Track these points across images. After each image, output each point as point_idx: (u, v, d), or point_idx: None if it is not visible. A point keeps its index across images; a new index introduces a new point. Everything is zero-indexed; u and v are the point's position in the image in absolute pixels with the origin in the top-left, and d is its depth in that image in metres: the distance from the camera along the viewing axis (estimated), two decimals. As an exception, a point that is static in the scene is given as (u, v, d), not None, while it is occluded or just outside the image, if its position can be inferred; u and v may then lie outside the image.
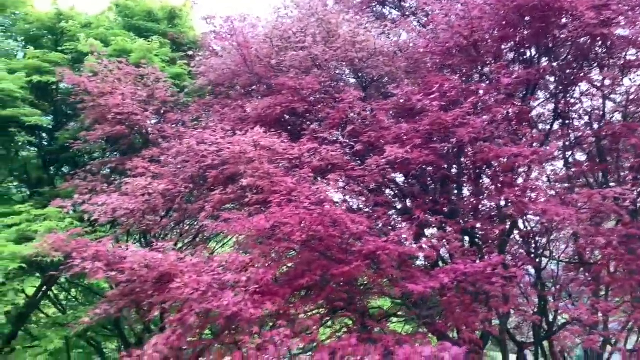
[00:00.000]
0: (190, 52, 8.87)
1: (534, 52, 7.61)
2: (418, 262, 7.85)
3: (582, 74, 7.64)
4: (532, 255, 7.77)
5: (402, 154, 6.11)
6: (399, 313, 8.78)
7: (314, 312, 6.77)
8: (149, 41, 8.46)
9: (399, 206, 7.78)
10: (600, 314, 6.99)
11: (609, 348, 7.65)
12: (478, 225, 6.80)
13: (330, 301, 6.39)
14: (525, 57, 7.68)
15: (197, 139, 6.59)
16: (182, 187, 6.77)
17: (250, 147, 6.27)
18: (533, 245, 8.04)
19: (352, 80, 7.97)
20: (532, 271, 8.10)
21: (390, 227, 7.12)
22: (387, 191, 7.73)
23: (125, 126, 7.55)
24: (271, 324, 6.52)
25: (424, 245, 6.56)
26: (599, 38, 6.92)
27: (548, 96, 8.23)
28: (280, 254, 6.12)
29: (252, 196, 6.18)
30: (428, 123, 6.30)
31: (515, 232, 7.75)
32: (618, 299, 7.62)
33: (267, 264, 5.96)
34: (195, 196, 7.26)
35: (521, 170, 7.24)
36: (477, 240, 7.53)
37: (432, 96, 6.24)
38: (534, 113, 8.12)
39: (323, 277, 6.04)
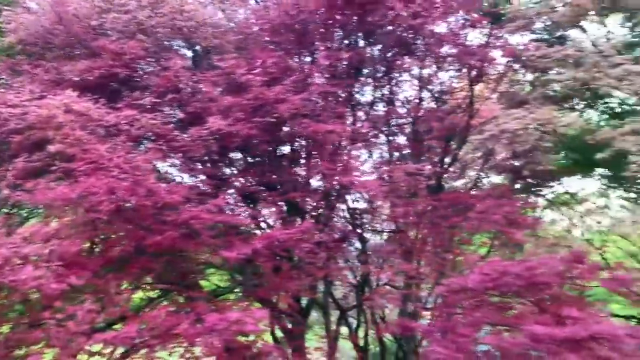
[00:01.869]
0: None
1: (361, 41, 8.15)
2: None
3: (402, 64, 8.39)
4: (358, 230, 8.43)
5: (224, 126, 6.18)
6: (236, 290, 8.94)
7: (128, 286, 6.57)
8: (-57, -12, 7.34)
9: (229, 179, 7.83)
10: (409, 278, 7.86)
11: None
12: (298, 197, 7.14)
13: (147, 271, 6.26)
14: (353, 45, 8.19)
15: (-1, 100, 5.94)
16: (-21, 154, 6.06)
17: (60, 111, 5.84)
18: (358, 222, 8.72)
19: (185, 51, 7.79)
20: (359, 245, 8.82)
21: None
22: (216, 164, 7.72)
23: None
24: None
25: (249, 216, 6.74)
26: (411, 30, 7.65)
27: (372, 81, 8.89)
28: (90, 225, 5.81)
29: (60, 164, 5.76)
30: (251, 97, 6.44)
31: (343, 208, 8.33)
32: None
33: (74, 236, 5.62)
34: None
35: (342, 150, 7.75)
36: (306, 216, 7.92)
37: (255, 71, 6.39)
38: (362, 99, 8.74)
39: (138, 249, 5.89)
